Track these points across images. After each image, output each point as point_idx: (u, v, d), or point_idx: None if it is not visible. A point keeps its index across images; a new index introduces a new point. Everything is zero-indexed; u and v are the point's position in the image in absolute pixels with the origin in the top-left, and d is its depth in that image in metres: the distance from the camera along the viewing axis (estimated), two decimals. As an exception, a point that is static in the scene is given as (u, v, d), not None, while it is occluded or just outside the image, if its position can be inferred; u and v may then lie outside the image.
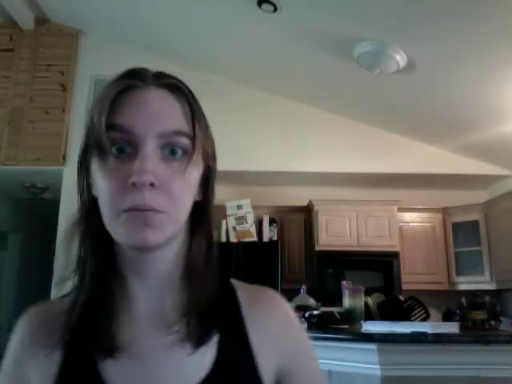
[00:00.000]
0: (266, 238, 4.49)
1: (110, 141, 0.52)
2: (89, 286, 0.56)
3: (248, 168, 4.54)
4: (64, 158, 4.20)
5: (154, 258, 0.57)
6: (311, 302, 2.61)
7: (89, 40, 4.64)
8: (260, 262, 4.27)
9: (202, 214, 0.60)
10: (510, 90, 3.50)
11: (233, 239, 4.36)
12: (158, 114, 0.54)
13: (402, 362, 1.81)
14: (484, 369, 1.79)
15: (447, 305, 4.05)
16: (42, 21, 4.54)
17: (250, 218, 4.42)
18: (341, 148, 4.58)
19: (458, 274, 4.59)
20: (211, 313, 0.57)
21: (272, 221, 4.60)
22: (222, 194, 4.98)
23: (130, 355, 0.54)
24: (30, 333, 0.58)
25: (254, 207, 4.48)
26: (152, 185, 0.51)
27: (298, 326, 0.65)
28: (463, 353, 1.83)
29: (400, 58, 3.39)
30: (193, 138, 0.55)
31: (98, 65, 4.60)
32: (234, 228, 4.40)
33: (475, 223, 4.61)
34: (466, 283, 4.53)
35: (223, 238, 4.39)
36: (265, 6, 3.25)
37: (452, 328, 1.98)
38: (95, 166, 0.55)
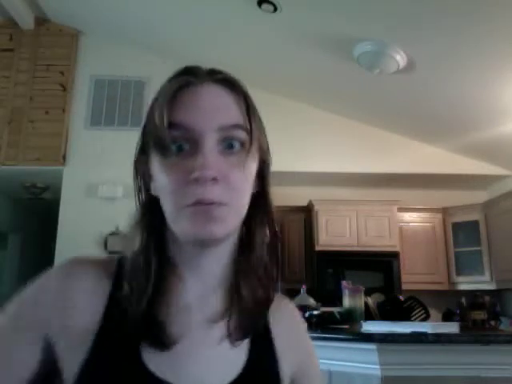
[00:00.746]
0: (266, 238, 4.49)
1: (172, 139, 0.53)
2: (145, 281, 0.55)
3: (248, 168, 4.53)
4: (64, 157, 4.20)
5: (212, 252, 0.57)
6: (311, 302, 2.61)
7: (89, 40, 4.63)
8: (260, 262, 4.27)
9: (261, 205, 0.61)
10: (510, 89, 3.50)
11: (233, 239, 4.36)
12: (215, 109, 0.55)
13: (402, 362, 1.81)
14: (484, 369, 1.79)
15: (447, 305, 4.05)
16: (41, 21, 4.54)
17: (250, 218, 4.42)
18: (341, 148, 4.58)
19: (458, 273, 4.59)
20: (256, 314, 0.59)
21: (272, 221, 4.60)
22: (221, 194, 4.91)
23: (174, 347, 0.55)
24: (74, 288, 0.56)
25: (254, 207, 4.48)
26: (214, 179, 0.52)
27: (305, 329, 0.70)
28: (463, 353, 1.83)
29: (400, 58, 3.39)
30: (250, 131, 0.56)
31: (98, 65, 4.60)
32: (234, 228, 4.40)
33: (475, 223, 4.61)
34: (465, 283, 4.53)
35: (223, 238, 4.39)
36: (265, 6, 3.25)
37: (452, 328, 1.98)
38: (156, 165, 0.56)
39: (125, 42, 4.50)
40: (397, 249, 4.53)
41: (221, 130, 0.54)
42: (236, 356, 0.58)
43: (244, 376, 0.56)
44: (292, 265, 4.62)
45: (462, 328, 2.11)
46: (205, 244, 0.55)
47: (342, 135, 4.60)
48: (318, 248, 4.52)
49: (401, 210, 4.68)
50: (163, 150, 0.54)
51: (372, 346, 1.80)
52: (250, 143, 0.56)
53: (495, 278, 4.40)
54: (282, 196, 4.96)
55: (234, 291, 0.59)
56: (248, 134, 0.56)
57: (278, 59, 4.04)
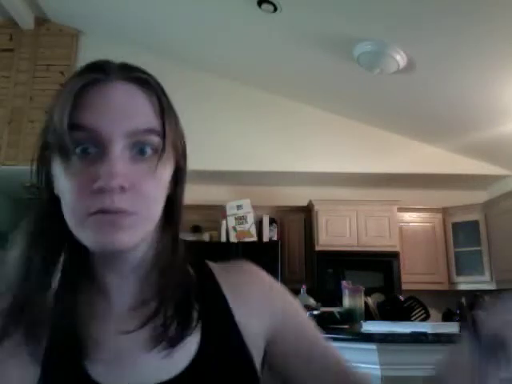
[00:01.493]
0: (266, 238, 4.49)
1: (74, 142, 0.48)
2: (58, 284, 0.53)
3: (248, 168, 4.54)
4: (64, 158, 4.20)
5: (128, 257, 0.55)
6: (311, 301, 2.61)
7: (89, 40, 4.63)
8: (260, 261, 4.21)
9: (172, 208, 0.58)
10: (510, 89, 3.50)
11: (233, 239, 4.36)
12: (125, 112, 0.50)
13: (402, 362, 1.81)
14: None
15: (447, 305, 4.05)
16: (41, 21, 4.54)
17: (250, 218, 4.42)
18: (341, 148, 4.58)
19: (458, 274, 4.59)
20: (188, 299, 0.56)
21: (272, 221, 4.60)
22: (222, 194, 4.98)
23: (111, 353, 0.52)
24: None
25: (254, 207, 4.48)
26: (122, 188, 0.48)
27: (276, 288, 0.65)
28: (463, 353, 1.82)
29: (400, 58, 3.39)
30: (163, 136, 0.52)
31: (98, 65, 4.60)
32: (234, 228, 4.40)
33: (475, 223, 4.61)
34: (465, 283, 4.52)
35: (223, 238, 4.39)
36: (265, 5, 3.25)
37: (452, 328, 1.98)
38: (57, 166, 0.51)
39: (125, 42, 4.50)
40: (397, 249, 4.53)
41: (131, 134, 0.49)
42: (185, 344, 0.54)
43: (197, 360, 0.53)
44: (292, 265, 4.62)
45: (462, 328, 2.11)
46: (113, 254, 0.52)
47: (342, 135, 4.60)
48: (317, 248, 4.52)
49: (401, 209, 4.68)
50: (64, 154, 0.49)
51: (372, 346, 1.80)
52: (163, 148, 0.51)
53: (495, 278, 4.40)
54: (282, 196, 4.97)
55: (160, 289, 0.56)
56: (161, 138, 0.51)
57: (277, 59, 4.04)
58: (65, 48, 4.53)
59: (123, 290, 0.56)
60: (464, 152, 4.54)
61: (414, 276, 4.52)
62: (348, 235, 4.56)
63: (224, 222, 4.42)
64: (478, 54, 3.17)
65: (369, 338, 1.84)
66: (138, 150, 0.50)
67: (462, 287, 4.51)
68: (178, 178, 0.58)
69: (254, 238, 4.39)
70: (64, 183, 0.50)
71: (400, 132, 4.58)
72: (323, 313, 2.35)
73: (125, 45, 4.50)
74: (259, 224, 4.55)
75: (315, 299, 2.74)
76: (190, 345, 0.54)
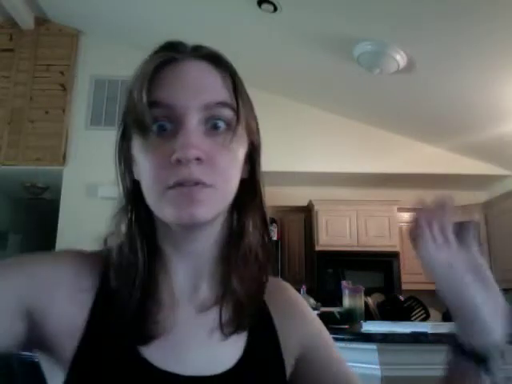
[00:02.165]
0: (266, 238, 4.49)
1: (152, 118, 0.50)
2: (134, 272, 0.53)
3: (248, 168, 4.54)
4: (64, 157, 4.20)
5: (198, 236, 0.55)
6: (311, 301, 2.61)
7: (89, 40, 4.63)
8: (260, 262, 4.27)
9: (251, 192, 0.58)
10: (510, 89, 3.50)
11: (233, 239, 4.36)
12: (198, 87, 0.52)
13: (402, 362, 1.81)
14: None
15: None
16: (42, 21, 4.54)
17: (250, 218, 4.42)
18: (341, 148, 4.58)
19: (458, 274, 4.59)
20: (248, 305, 0.56)
21: (272, 221, 4.60)
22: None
23: (168, 336, 0.53)
24: (71, 268, 0.54)
25: (254, 207, 4.48)
26: (198, 159, 0.49)
27: (307, 308, 0.67)
28: (463, 353, 1.82)
29: (400, 58, 3.39)
30: (236, 110, 0.53)
31: (98, 65, 4.60)
32: (234, 228, 4.41)
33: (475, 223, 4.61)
34: (465, 283, 4.52)
35: (223, 238, 4.39)
36: (265, 5, 3.25)
37: (452, 328, 1.98)
38: (136, 147, 0.53)
39: (125, 42, 4.50)
40: (397, 249, 4.53)
41: (205, 108, 0.51)
42: (234, 343, 0.55)
43: (243, 362, 0.55)
44: (292, 265, 4.62)
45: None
46: (188, 228, 0.52)
47: (342, 135, 4.60)
48: (317, 248, 4.52)
49: (401, 209, 4.68)
50: (143, 131, 0.51)
51: (372, 346, 1.80)
52: (237, 123, 0.52)
53: (495, 278, 4.38)
54: (282, 196, 4.97)
55: (225, 280, 0.56)
56: (234, 112, 0.52)
57: (277, 59, 4.04)
58: (65, 48, 4.53)
59: (187, 272, 0.56)
60: (464, 152, 4.54)
61: (413, 276, 4.51)
62: (348, 235, 4.56)
63: (224, 222, 4.42)
64: (477, 54, 3.17)
65: (369, 338, 1.83)
66: (212, 124, 0.52)
67: (462, 287, 4.50)
68: (254, 156, 0.58)
69: (254, 238, 4.39)
70: (143, 161, 0.51)
71: (400, 132, 4.58)
72: (323, 313, 2.35)
73: (125, 45, 4.51)
74: (259, 224, 4.55)
75: (315, 299, 2.74)
76: (238, 345, 0.56)
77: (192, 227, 0.52)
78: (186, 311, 0.55)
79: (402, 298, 2.47)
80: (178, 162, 0.48)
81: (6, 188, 4.83)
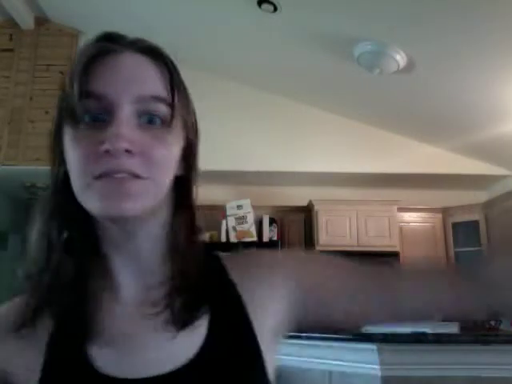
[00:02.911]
0: (266, 238, 4.49)
1: (83, 109, 0.49)
2: (64, 267, 0.52)
3: (248, 168, 4.54)
4: (64, 158, 4.20)
5: (137, 233, 0.53)
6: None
7: (89, 40, 4.63)
8: (260, 262, 4.27)
9: (184, 189, 0.57)
10: (510, 89, 3.50)
11: (233, 239, 4.36)
12: (133, 78, 0.50)
13: (402, 362, 1.81)
14: (484, 369, 1.79)
15: (447, 305, 4.04)
16: (42, 21, 4.54)
17: (250, 218, 4.42)
18: (341, 148, 4.58)
19: (458, 273, 4.59)
20: (199, 288, 0.55)
21: (272, 221, 4.60)
22: (222, 194, 4.96)
23: (117, 340, 0.52)
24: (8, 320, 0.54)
25: (254, 207, 4.48)
26: (128, 151, 0.47)
27: (273, 256, 0.63)
28: (463, 353, 1.83)
29: (400, 58, 3.39)
30: (172, 106, 0.51)
31: (98, 65, 4.60)
32: (234, 228, 4.40)
33: (475, 223, 4.61)
34: (466, 283, 4.52)
35: (223, 238, 4.39)
36: (265, 5, 3.25)
37: (452, 328, 1.98)
38: (67, 136, 0.51)
39: (125, 42, 4.50)
40: (397, 249, 4.52)
41: (139, 100, 0.49)
42: (191, 334, 0.53)
43: (203, 352, 0.52)
44: (292, 265, 4.62)
45: (461, 328, 2.11)
46: (117, 223, 0.50)
47: (342, 135, 4.60)
48: (317, 248, 4.51)
49: (401, 209, 4.68)
50: (73, 121, 0.49)
51: (372, 346, 1.80)
52: (171, 118, 0.51)
53: (495, 278, 4.40)
54: (282, 196, 4.97)
55: (170, 277, 0.55)
56: (169, 107, 0.51)
57: (277, 59, 4.04)
58: (65, 48, 4.53)
59: (131, 274, 0.55)
60: (464, 152, 4.54)
61: (414, 276, 4.52)
62: (348, 235, 4.56)
63: (224, 221, 4.42)
64: (477, 54, 3.17)
65: (369, 338, 1.83)
66: (147, 118, 0.50)
67: (462, 287, 4.50)
68: (189, 154, 0.57)
69: (254, 238, 4.39)
70: (71, 150, 0.50)
71: (400, 132, 4.58)
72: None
73: (125, 45, 4.51)
74: (259, 224, 4.55)
75: (315, 299, 2.74)
76: (197, 335, 0.53)
77: (122, 222, 0.50)
78: (135, 310, 0.54)
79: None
80: (107, 152, 0.47)
81: (6, 188, 4.83)
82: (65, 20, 4.54)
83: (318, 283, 0.59)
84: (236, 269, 0.59)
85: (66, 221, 0.53)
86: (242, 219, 4.41)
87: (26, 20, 4.40)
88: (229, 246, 4.31)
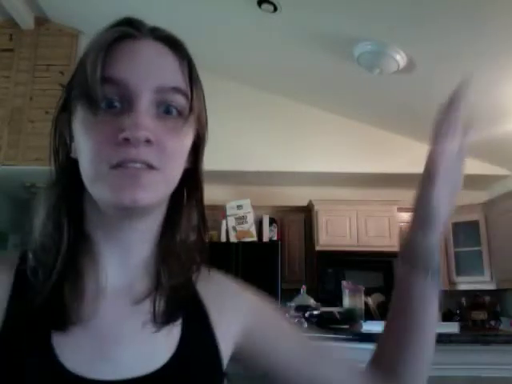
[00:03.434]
0: (266, 238, 4.49)
1: (103, 94, 0.48)
2: (55, 252, 0.50)
3: (248, 168, 4.54)
4: (64, 158, 4.20)
5: (135, 227, 0.52)
6: (311, 301, 2.61)
7: (89, 40, 4.64)
8: (260, 262, 4.27)
9: (191, 183, 0.57)
10: (510, 89, 3.50)
11: (233, 239, 4.36)
12: (154, 68, 0.50)
13: (402, 362, 1.81)
14: (484, 369, 1.79)
15: (447, 305, 4.05)
16: (42, 21, 4.54)
17: (250, 218, 4.42)
18: (341, 148, 4.58)
19: (458, 274, 4.59)
20: (182, 290, 0.55)
21: (272, 221, 4.60)
22: (222, 194, 4.97)
23: (91, 330, 0.49)
24: None
25: (254, 207, 4.48)
26: (148, 141, 0.47)
27: (240, 288, 0.64)
28: (463, 353, 1.82)
29: (400, 58, 3.39)
30: (190, 98, 0.51)
31: (98, 65, 4.60)
32: (234, 228, 4.40)
33: (475, 223, 4.61)
34: (466, 283, 4.53)
35: (223, 238, 4.39)
36: (265, 5, 3.25)
37: (452, 328, 1.98)
38: (80, 122, 0.49)
39: (125, 42, 4.50)
40: (397, 249, 4.52)
41: (159, 91, 0.49)
42: (166, 341, 0.52)
43: (177, 356, 0.52)
44: (292, 265, 4.62)
45: (461, 328, 2.11)
46: (128, 213, 0.49)
47: (342, 135, 4.60)
48: (317, 248, 4.52)
49: (401, 209, 4.68)
50: (92, 106, 0.47)
51: (372, 346, 1.80)
52: (190, 111, 0.51)
53: (495, 278, 4.40)
54: (282, 196, 4.97)
55: (157, 273, 0.54)
56: (188, 100, 0.51)
57: (277, 59, 4.04)
58: (65, 48, 4.53)
59: (117, 262, 0.53)
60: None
61: (413, 276, 4.52)
62: (348, 235, 4.56)
63: (224, 222, 4.42)
64: (477, 54, 3.17)
65: (369, 338, 1.83)
66: (164, 108, 0.50)
67: (462, 287, 4.51)
68: (199, 148, 0.57)
69: (254, 238, 4.39)
70: (84, 137, 0.48)
71: (400, 132, 4.58)
72: (323, 313, 2.35)
73: (125, 45, 4.51)
74: (259, 224, 4.55)
75: (315, 299, 2.74)
76: (172, 340, 0.53)
77: (132, 212, 0.49)
78: (116, 304, 0.52)
79: (401, 297, 2.47)
80: (126, 141, 0.46)
81: (6, 188, 4.83)
82: (65, 20, 4.54)
83: (270, 327, 0.63)
84: (203, 289, 0.60)
85: (71, 207, 0.53)
86: (242, 219, 4.41)
87: (26, 20, 4.40)
88: (229, 246, 4.31)
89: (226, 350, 0.57)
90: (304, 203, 4.76)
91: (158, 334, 0.52)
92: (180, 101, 0.51)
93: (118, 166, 0.47)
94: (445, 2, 2.78)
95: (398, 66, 3.45)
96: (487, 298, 3.52)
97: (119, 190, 0.47)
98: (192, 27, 3.95)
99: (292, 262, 4.62)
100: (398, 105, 4.19)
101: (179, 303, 0.54)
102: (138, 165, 0.47)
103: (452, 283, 4.60)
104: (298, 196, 4.88)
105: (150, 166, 0.48)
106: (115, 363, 0.49)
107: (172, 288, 0.54)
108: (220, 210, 4.49)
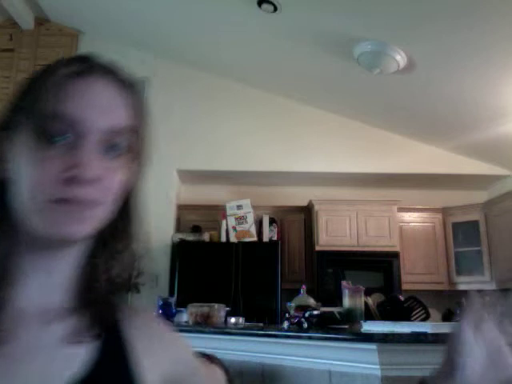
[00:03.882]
0: (266, 238, 4.49)
1: (53, 130, 0.48)
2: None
3: (248, 168, 4.54)
4: (64, 157, 4.20)
5: (65, 254, 0.53)
6: (311, 301, 2.61)
7: (89, 40, 4.64)
8: (260, 261, 4.27)
9: (124, 214, 0.57)
10: (510, 89, 3.50)
11: (233, 239, 4.36)
12: (105, 107, 0.51)
13: (402, 362, 1.81)
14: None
15: (447, 305, 4.05)
16: (42, 21, 4.54)
17: (250, 218, 4.42)
18: (341, 148, 4.58)
19: (458, 274, 4.59)
20: (102, 316, 0.54)
21: (272, 221, 4.60)
22: (222, 194, 4.97)
23: (3, 350, 0.49)
24: None
25: (254, 207, 4.48)
26: (93, 180, 0.48)
27: (172, 335, 0.64)
28: (463, 353, 1.82)
29: (400, 58, 3.39)
30: (139, 139, 0.54)
31: (98, 65, 4.60)
32: (234, 228, 4.40)
33: (475, 223, 4.61)
34: (465, 283, 4.52)
35: (223, 238, 4.39)
36: (265, 5, 3.26)
37: (452, 328, 1.98)
38: (24, 150, 0.50)
39: (125, 42, 4.50)
40: (397, 249, 4.53)
41: (107, 130, 0.50)
42: (73, 362, 0.51)
43: (83, 378, 0.51)
44: (292, 265, 4.62)
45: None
46: (60, 243, 0.51)
47: (342, 135, 4.60)
48: (317, 248, 4.52)
49: (401, 209, 4.68)
50: (40, 139, 0.48)
51: (372, 346, 1.80)
52: (136, 150, 0.53)
53: (495, 278, 4.40)
54: (282, 196, 4.97)
55: (78, 295, 0.55)
56: (135, 139, 0.53)
57: (277, 59, 4.04)
58: (65, 48, 4.53)
59: (39, 289, 0.53)
60: (464, 152, 4.54)
61: (413, 276, 4.52)
62: (348, 235, 4.56)
63: (224, 222, 4.42)
64: (478, 54, 3.17)
65: (369, 338, 1.83)
66: (112, 147, 0.51)
67: (462, 287, 4.51)
68: (136, 181, 0.57)
69: (254, 238, 4.39)
70: (28, 167, 0.49)
71: (400, 132, 4.58)
72: (323, 313, 2.35)
73: (125, 45, 4.51)
74: (259, 224, 4.55)
75: (315, 299, 2.74)
76: (78, 363, 0.52)
77: (64, 243, 0.51)
78: (32, 324, 0.51)
79: (402, 297, 2.47)
80: (71, 178, 0.47)
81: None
82: (65, 20, 4.54)
83: (186, 375, 0.63)
84: (132, 325, 0.59)
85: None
86: (242, 219, 4.41)
87: (26, 20, 4.40)
88: (229, 246, 4.31)
89: None
90: (304, 203, 4.76)
91: (69, 354, 0.51)
92: (127, 140, 0.52)
93: (60, 201, 0.48)
94: (445, 2, 2.78)
95: (398, 65, 3.45)
96: (487, 298, 3.52)
97: (57, 223, 0.48)
98: (192, 27, 3.95)
99: (292, 262, 4.62)
100: (398, 105, 4.19)
101: (97, 327, 0.54)
102: (81, 202, 0.48)
103: (452, 283, 4.60)
104: (297, 196, 4.88)
105: (92, 203, 0.49)
106: (16, 381, 0.48)
107: (91, 310, 0.54)
108: (220, 210, 4.49)
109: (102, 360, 0.53)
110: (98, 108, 0.50)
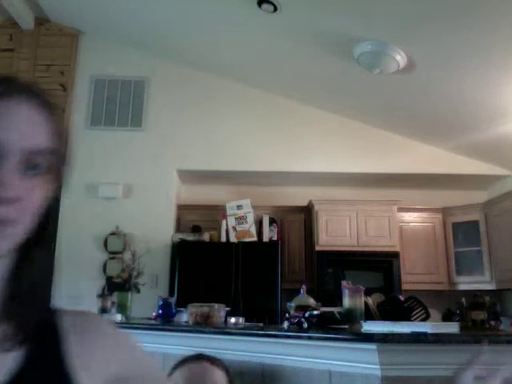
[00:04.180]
0: (266, 238, 4.49)
1: None
2: None
3: (248, 168, 4.54)
4: (64, 158, 4.20)
5: None
6: (311, 301, 2.61)
7: (89, 40, 4.64)
8: (260, 262, 4.27)
9: (43, 231, 0.58)
10: (510, 89, 3.50)
11: (233, 239, 4.36)
12: (26, 129, 0.52)
13: (402, 362, 1.81)
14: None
15: (447, 305, 4.05)
16: (42, 21, 4.54)
17: (250, 218, 4.42)
18: (341, 148, 4.58)
19: (458, 274, 4.59)
20: (24, 325, 0.55)
21: (272, 221, 4.60)
22: (222, 194, 4.97)
23: None
24: None
25: (254, 207, 4.48)
26: (12, 200, 0.50)
27: (119, 338, 0.65)
28: (463, 353, 1.82)
29: (400, 58, 3.39)
30: (59, 159, 0.56)
31: (98, 65, 4.60)
32: (234, 228, 4.40)
33: (475, 223, 4.61)
34: (465, 283, 4.52)
35: (223, 238, 4.39)
36: (265, 5, 3.25)
37: (452, 328, 1.98)
38: None
39: (125, 42, 4.50)
40: (397, 249, 4.53)
41: (30, 152, 0.52)
42: (4, 368, 0.52)
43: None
44: (292, 265, 4.62)
45: (461, 328, 2.11)
46: None
47: (342, 135, 4.60)
48: (317, 248, 4.52)
49: (401, 209, 4.68)
50: None
51: (372, 346, 1.80)
52: (56, 170, 0.56)
53: (495, 278, 4.40)
54: (282, 196, 4.97)
55: (2, 304, 0.55)
56: (54, 159, 0.55)
57: (277, 59, 4.04)
58: (65, 48, 4.54)
59: None
60: (464, 152, 4.54)
61: (414, 276, 4.52)
62: (348, 235, 4.56)
63: (224, 222, 4.42)
64: (478, 54, 3.17)
65: (369, 338, 1.83)
66: (31, 167, 0.53)
67: (462, 287, 4.51)
68: (53, 204, 0.59)
69: (254, 238, 4.39)
70: None
71: (400, 132, 4.58)
72: (323, 313, 2.35)
73: (125, 45, 4.51)
74: (259, 224, 4.55)
75: (315, 299, 2.74)
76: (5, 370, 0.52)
77: None
78: None
79: (402, 297, 2.47)
80: None
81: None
82: (65, 20, 4.54)
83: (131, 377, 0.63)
84: (71, 326, 0.59)
85: None
86: (242, 219, 4.41)
87: (26, 20, 4.40)
88: (229, 246, 4.31)
89: None
90: (304, 203, 4.76)
91: None
92: (47, 161, 0.54)
93: None
94: (445, 2, 2.78)
95: (398, 65, 3.45)
96: (487, 298, 3.51)
97: None
98: (192, 27, 3.95)
99: (292, 262, 4.62)
100: (398, 105, 4.19)
101: (22, 335, 0.54)
102: (2, 221, 0.49)
103: (452, 283, 4.60)
104: (297, 196, 4.88)
105: (13, 222, 0.50)
106: None
107: (16, 319, 0.54)
108: (220, 210, 4.49)
109: (28, 367, 0.53)
110: (18, 130, 0.52)
